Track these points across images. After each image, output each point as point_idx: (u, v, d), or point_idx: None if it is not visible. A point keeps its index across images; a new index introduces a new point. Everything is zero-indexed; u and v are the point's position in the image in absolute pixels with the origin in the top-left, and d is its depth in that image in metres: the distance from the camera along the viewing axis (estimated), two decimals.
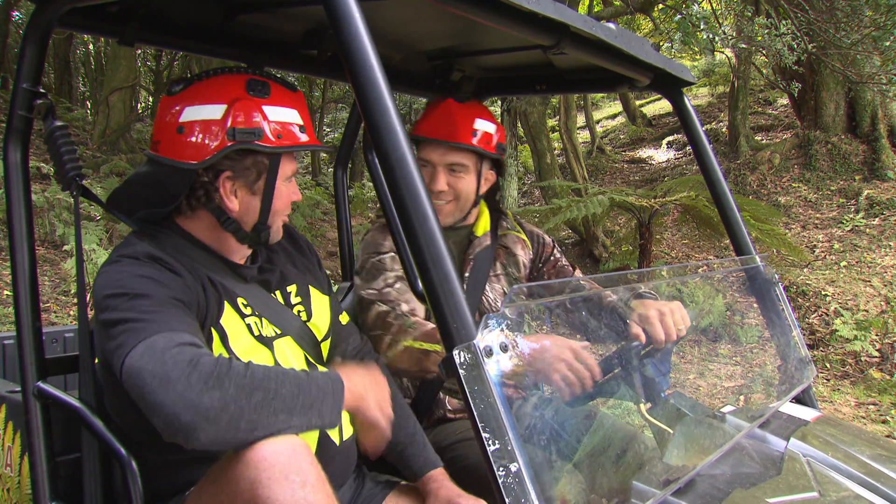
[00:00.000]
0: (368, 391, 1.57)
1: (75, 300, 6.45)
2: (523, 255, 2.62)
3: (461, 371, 1.15)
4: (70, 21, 1.76)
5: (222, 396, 1.33)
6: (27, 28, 1.75)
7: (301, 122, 1.74)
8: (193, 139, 1.65)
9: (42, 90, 1.79)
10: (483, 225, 2.58)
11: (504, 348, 1.19)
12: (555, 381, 1.73)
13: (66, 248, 6.94)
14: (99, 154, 9.70)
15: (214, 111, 1.65)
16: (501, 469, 1.12)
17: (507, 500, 1.11)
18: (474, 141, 2.37)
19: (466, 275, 2.48)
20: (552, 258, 2.67)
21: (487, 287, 2.51)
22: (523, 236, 2.66)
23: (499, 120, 2.50)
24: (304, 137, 1.73)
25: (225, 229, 1.75)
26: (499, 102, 9.78)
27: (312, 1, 1.67)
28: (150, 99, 17.85)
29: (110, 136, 10.20)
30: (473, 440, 1.17)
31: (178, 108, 1.68)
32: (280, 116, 1.69)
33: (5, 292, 6.24)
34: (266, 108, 1.67)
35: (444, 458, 2.04)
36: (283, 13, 1.93)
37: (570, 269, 2.66)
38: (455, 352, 1.15)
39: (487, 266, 2.53)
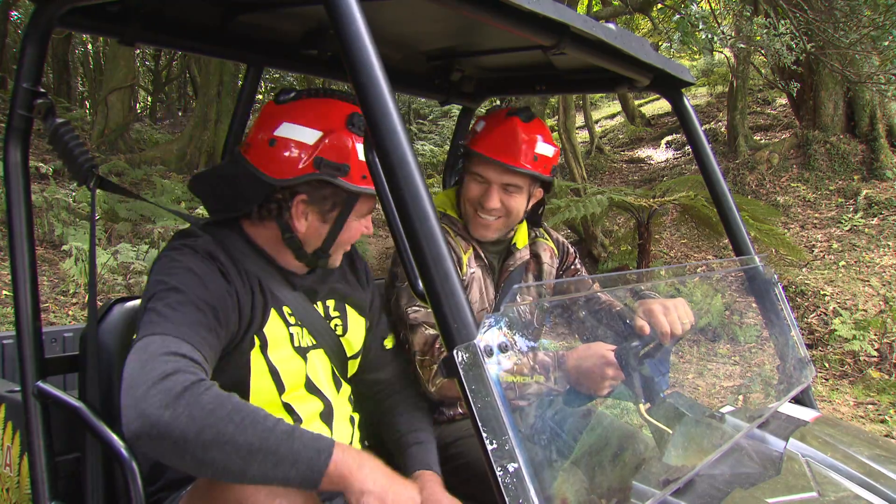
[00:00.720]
0: (370, 485, 1.39)
1: (74, 300, 6.45)
2: (550, 264, 2.62)
3: (461, 371, 1.15)
4: (70, 21, 1.76)
5: (171, 421, 1.28)
6: (27, 28, 1.75)
7: None
8: (281, 156, 1.66)
9: (42, 90, 1.79)
10: (522, 237, 2.57)
11: (504, 348, 1.19)
12: (603, 391, 1.86)
13: (64, 247, 6.93)
14: (98, 154, 9.71)
15: (309, 135, 1.66)
16: (501, 468, 1.12)
17: (506, 500, 1.11)
18: (533, 165, 2.33)
19: (502, 285, 2.48)
20: (572, 267, 2.68)
21: (522, 284, 2.52)
22: (551, 244, 2.66)
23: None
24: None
25: (286, 245, 1.76)
26: (497, 102, 9.76)
27: (313, 1, 1.67)
28: (149, 99, 17.84)
29: (109, 135, 10.20)
30: (474, 437, 1.17)
31: (277, 119, 1.69)
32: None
33: (4, 292, 6.24)
34: (359, 147, 1.66)
35: (445, 455, 2.05)
36: (283, 13, 1.93)
37: (589, 280, 2.66)
38: (455, 352, 1.15)
39: (520, 277, 2.54)
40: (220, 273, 1.62)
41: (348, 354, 1.94)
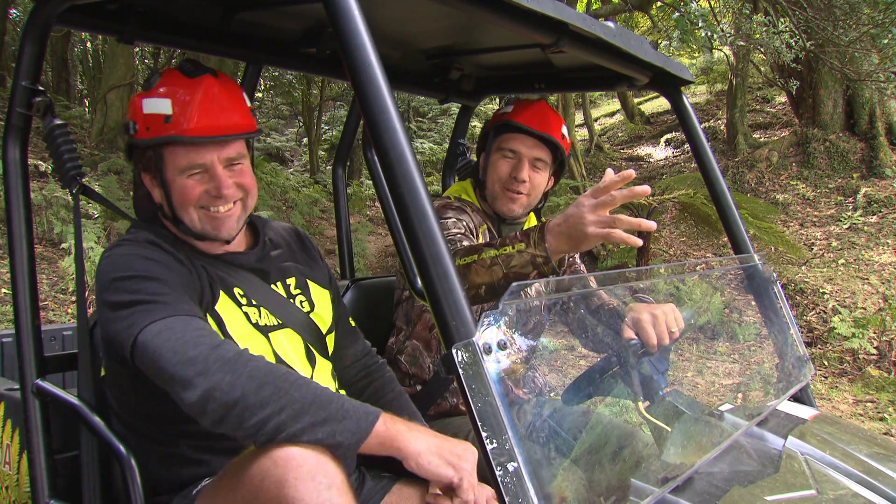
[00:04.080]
0: (423, 445, 1.43)
1: (73, 298, 6.44)
2: None
3: (460, 369, 1.15)
4: (69, 19, 1.76)
5: (233, 381, 1.38)
6: (26, 26, 1.75)
7: (168, 112, 1.63)
8: None
9: (41, 88, 1.79)
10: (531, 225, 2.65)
11: (503, 346, 1.19)
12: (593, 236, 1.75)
13: (63, 246, 6.93)
14: (97, 152, 9.69)
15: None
16: (500, 468, 1.12)
17: (506, 500, 1.11)
18: (562, 141, 2.46)
19: None
20: (570, 259, 2.71)
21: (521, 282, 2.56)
22: None
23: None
24: (172, 130, 1.63)
25: (164, 219, 1.78)
26: (497, 101, 9.76)
27: None
28: None
29: (108, 134, 10.18)
30: (473, 434, 1.16)
31: None
32: (150, 108, 1.65)
33: (3, 290, 6.23)
34: (144, 101, 1.66)
35: None
36: (282, 11, 1.93)
37: (585, 271, 2.72)
38: (454, 350, 1.15)
39: None
40: (171, 256, 1.66)
41: (323, 330, 1.94)
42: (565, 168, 2.60)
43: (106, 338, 1.64)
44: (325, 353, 1.94)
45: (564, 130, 2.49)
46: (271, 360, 1.76)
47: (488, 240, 2.48)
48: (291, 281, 1.93)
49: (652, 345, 1.89)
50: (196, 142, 1.65)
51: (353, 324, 2.13)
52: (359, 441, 1.40)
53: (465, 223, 2.37)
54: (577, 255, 2.74)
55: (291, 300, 1.89)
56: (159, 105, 1.64)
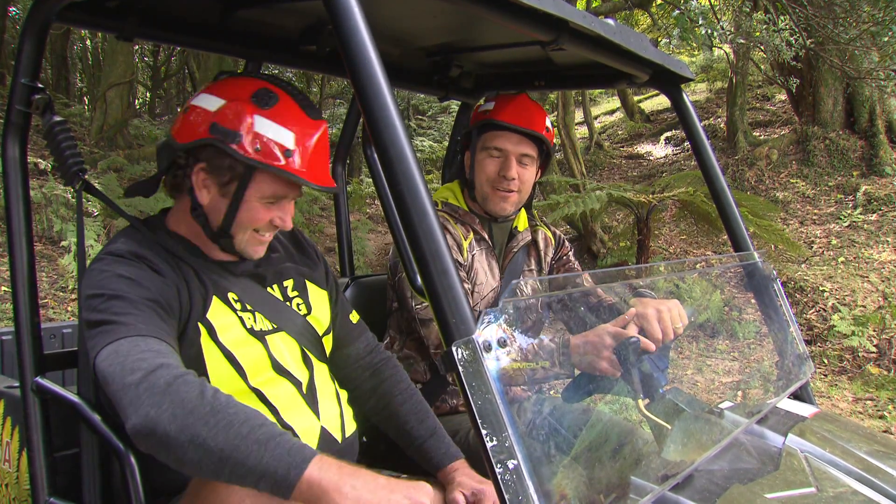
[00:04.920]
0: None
1: (73, 296, 6.45)
2: (548, 252, 2.71)
3: (460, 367, 1.15)
4: (69, 16, 1.75)
5: (156, 418, 1.34)
6: (25, 23, 1.75)
7: (290, 147, 1.63)
8: (187, 120, 1.68)
9: (40, 85, 1.79)
10: (522, 221, 2.66)
11: (503, 343, 1.19)
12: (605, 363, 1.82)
13: (63, 244, 6.93)
14: (96, 150, 9.69)
15: (213, 103, 1.66)
16: (500, 465, 1.12)
17: (506, 497, 1.11)
18: (546, 134, 2.46)
19: (507, 265, 2.57)
20: (564, 258, 2.74)
21: (521, 280, 2.56)
22: (548, 233, 2.75)
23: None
24: (283, 162, 1.63)
25: (195, 219, 1.75)
26: None
27: None
28: (148, 95, 17.83)
29: (108, 131, 10.19)
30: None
31: (202, 93, 1.73)
32: (268, 131, 1.62)
33: (3, 288, 6.23)
34: (257, 118, 1.62)
35: None
36: (282, 9, 1.93)
37: (585, 275, 2.72)
38: (454, 347, 1.15)
39: (523, 260, 2.63)
40: (150, 269, 1.63)
41: (319, 332, 1.92)
42: (552, 158, 2.59)
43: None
44: (322, 357, 1.93)
45: (548, 122, 2.48)
46: (267, 365, 1.76)
47: (474, 254, 2.48)
48: (289, 283, 1.92)
49: (657, 339, 1.89)
50: (305, 184, 1.67)
51: (355, 320, 2.11)
52: (282, 496, 1.33)
53: None
54: (570, 253, 2.74)
55: (288, 303, 1.88)
56: (281, 134, 1.63)
